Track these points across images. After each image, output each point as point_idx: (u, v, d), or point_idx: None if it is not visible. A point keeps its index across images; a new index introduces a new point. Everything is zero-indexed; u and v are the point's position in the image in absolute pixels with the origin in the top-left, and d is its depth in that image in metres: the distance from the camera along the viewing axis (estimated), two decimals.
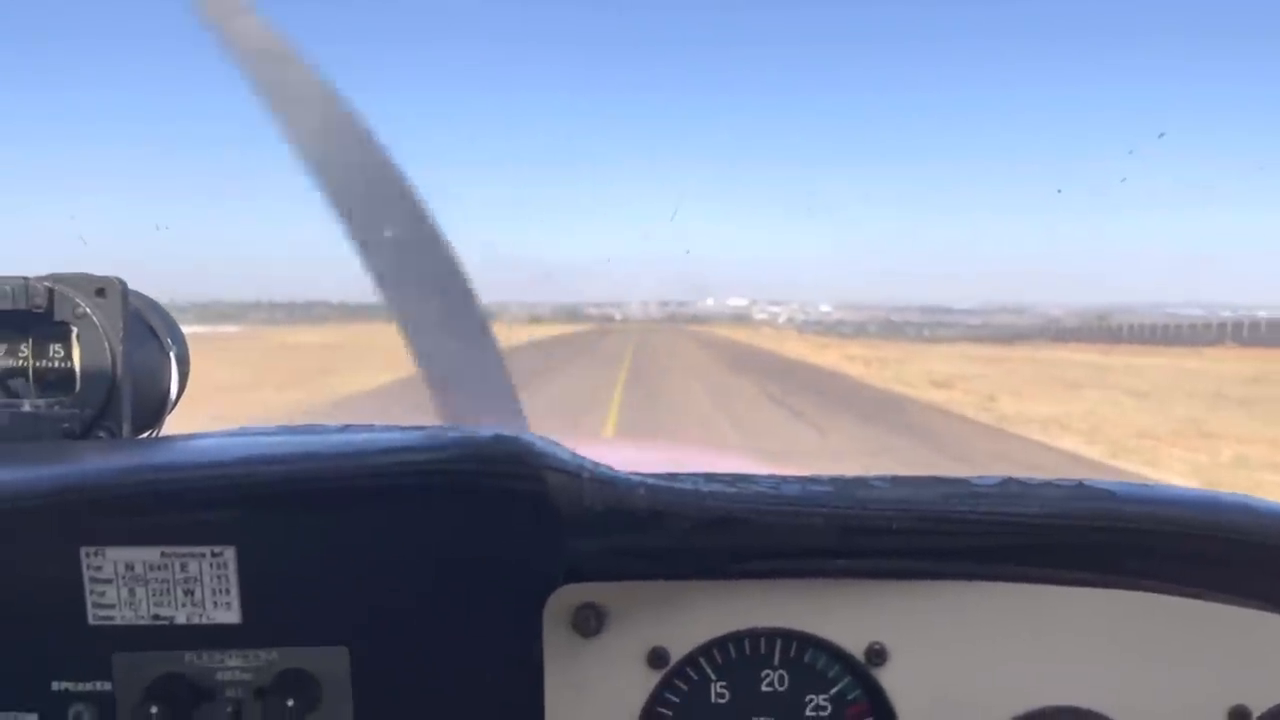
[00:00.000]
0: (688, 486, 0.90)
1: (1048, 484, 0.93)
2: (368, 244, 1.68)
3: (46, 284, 0.96)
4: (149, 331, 1.06)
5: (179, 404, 1.11)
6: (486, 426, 0.91)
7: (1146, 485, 0.95)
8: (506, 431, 0.90)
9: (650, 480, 0.89)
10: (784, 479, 0.93)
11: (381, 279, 1.72)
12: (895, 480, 0.94)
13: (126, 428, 1.00)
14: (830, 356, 39.10)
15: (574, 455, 0.90)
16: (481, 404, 1.75)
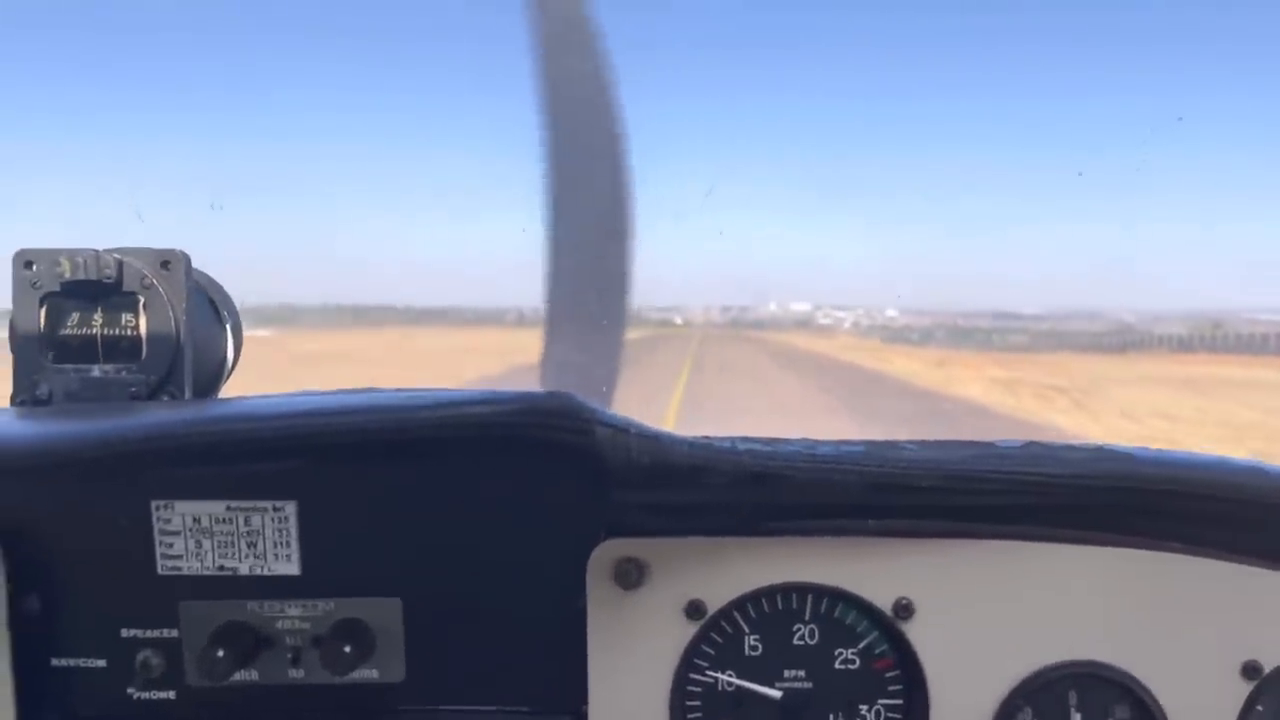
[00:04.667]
0: (725, 446, 0.93)
1: (1069, 447, 0.95)
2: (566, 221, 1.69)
3: (115, 256, 1.03)
4: (208, 303, 1.13)
5: (234, 372, 1.17)
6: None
7: (1164, 450, 0.96)
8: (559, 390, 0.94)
9: (691, 439, 0.93)
10: (818, 441, 0.96)
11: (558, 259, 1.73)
12: (924, 443, 0.96)
13: (189, 392, 1.06)
14: (968, 385, 26.65)
15: (620, 414, 0.94)
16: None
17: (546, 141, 1.68)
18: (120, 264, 1.03)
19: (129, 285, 1.03)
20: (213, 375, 1.13)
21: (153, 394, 1.04)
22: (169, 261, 1.04)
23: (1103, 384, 27.59)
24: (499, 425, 0.91)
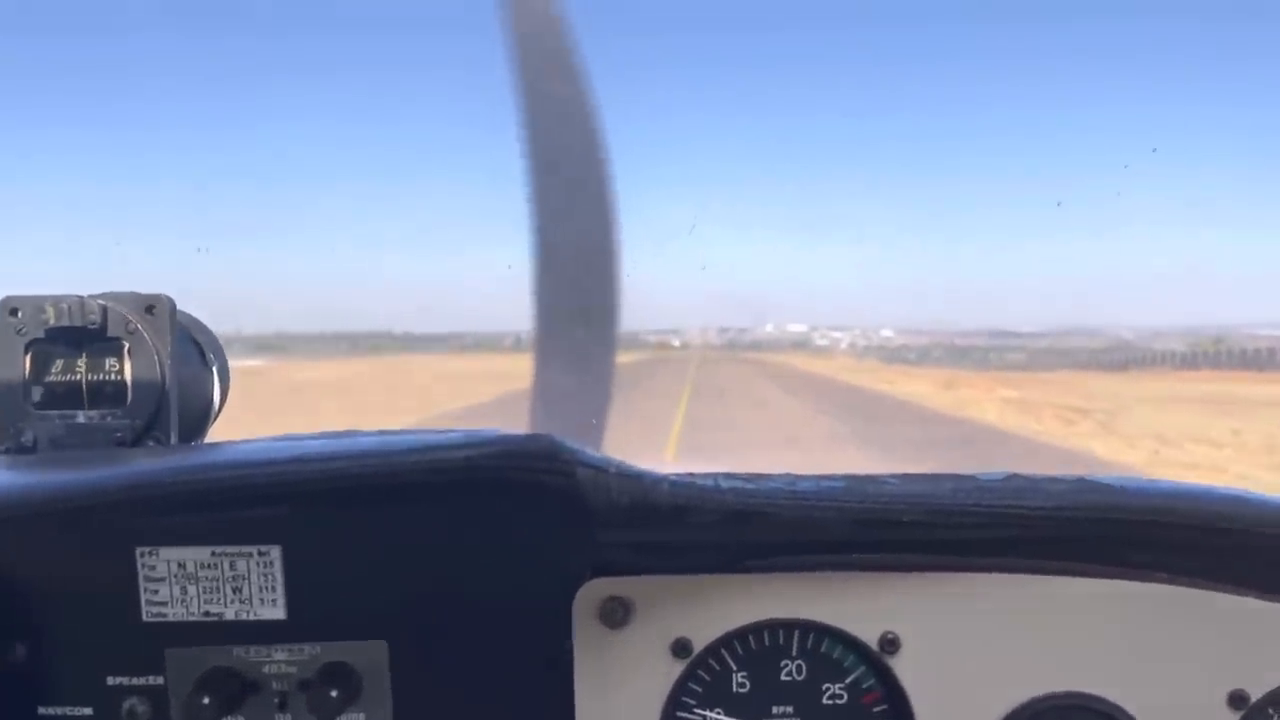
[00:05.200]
0: (708, 484, 0.93)
1: (1052, 479, 0.95)
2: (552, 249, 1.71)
3: (100, 302, 1.03)
4: (194, 346, 1.13)
5: (221, 414, 1.18)
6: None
7: (1148, 480, 0.96)
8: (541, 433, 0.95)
9: (673, 477, 0.93)
10: (799, 477, 0.96)
11: (543, 291, 1.74)
12: (906, 477, 0.96)
13: (174, 437, 1.06)
14: (983, 407, 25.02)
15: (601, 454, 0.94)
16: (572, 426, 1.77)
17: (530, 172, 1.70)
18: (105, 310, 1.03)
19: (114, 331, 1.03)
20: (199, 418, 1.13)
21: (138, 439, 1.04)
22: (153, 306, 1.05)
23: (1123, 404, 25.51)
24: (478, 469, 0.91)
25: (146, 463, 0.95)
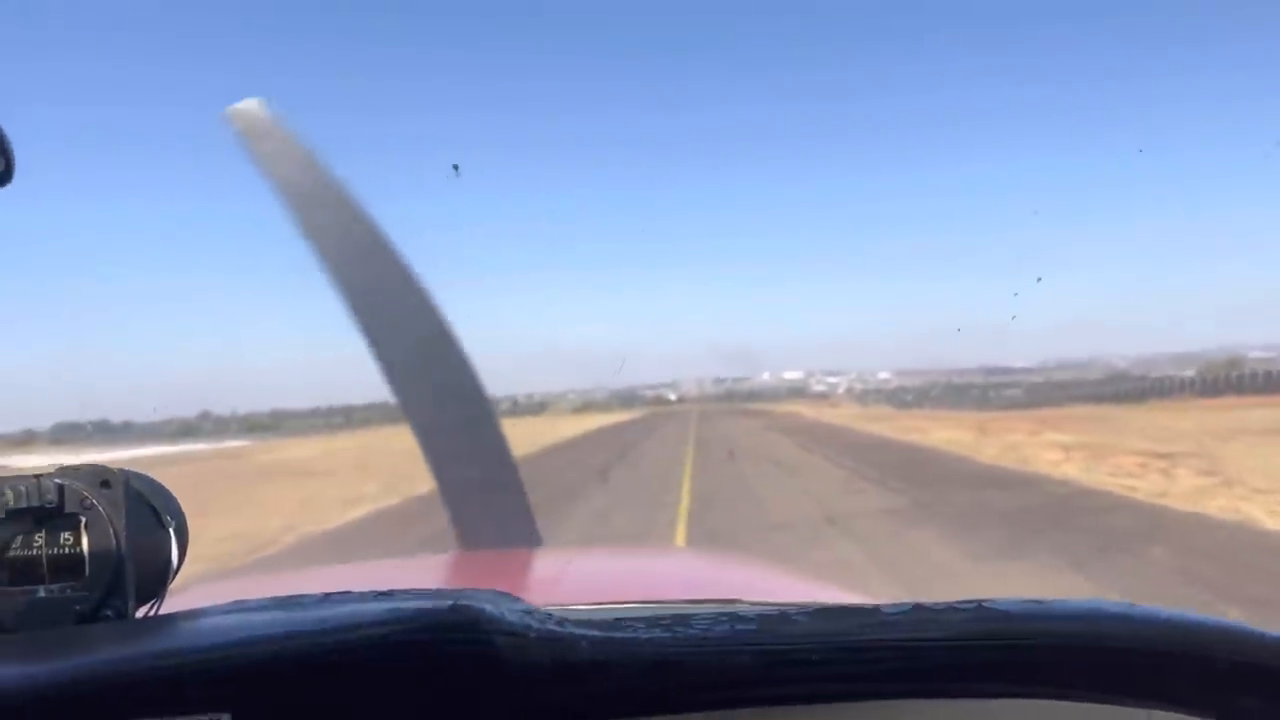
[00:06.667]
0: (628, 635, 0.98)
1: (951, 608, 1.00)
2: (391, 364, 1.77)
3: (56, 480, 1.08)
4: (150, 510, 1.18)
5: (179, 571, 1.22)
6: (452, 592, 1.00)
7: (1041, 602, 1.01)
8: (469, 594, 0.99)
9: (594, 633, 0.98)
10: (718, 618, 1.01)
11: (403, 399, 1.81)
12: (815, 613, 1.02)
13: (132, 604, 1.10)
14: (1046, 458, 20.97)
15: (523, 615, 0.99)
16: (497, 523, 1.81)
17: (338, 288, 1.76)
18: (61, 488, 1.08)
19: (70, 507, 1.08)
20: (157, 579, 1.18)
21: (96, 610, 1.08)
22: (108, 480, 1.10)
23: (1199, 443, 21.67)
24: (400, 646, 0.96)
25: (104, 644, 0.99)
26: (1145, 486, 15.57)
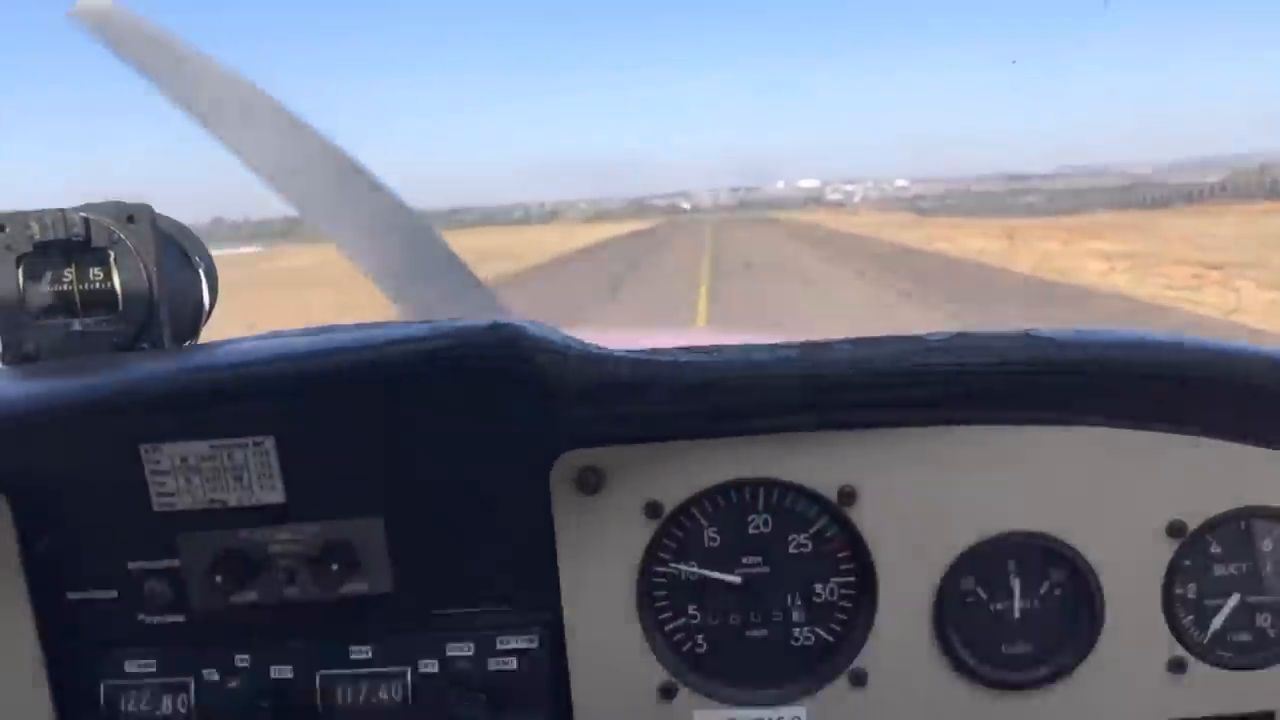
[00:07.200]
0: (666, 359, 0.99)
1: (996, 335, 0.99)
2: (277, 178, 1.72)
3: (81, 214, 1.07)
4: (179, 251, 1.17)
5: (213, 314, 1.23)
6: (485, 319, 1.00)
7: (1088, 330, 1.00)
8: (503, 319, 1.00)
9: (633, 355, 0.99)
10: (755, 346, 1.01)
11: (300, 202, 1.76)
12: (857, 341, 1.01)
13: (167, 339, 1.11)
14: (1090, 269, 19.36)
15: (563, 337, 0.99)
16: (450, 299, 1.75)
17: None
18: (87, 221, 1.07)
19: (98, 241, 1.07)
20: (191, 320, 1.18)
21: (132, 343, 1.09)
22: (134, 216, 1.08)
23: (1251, 251, 20.25)
24: (439, 360, 0.96)
25: (143, 365, 1.00)
26: (1211, 301, 14.49)
